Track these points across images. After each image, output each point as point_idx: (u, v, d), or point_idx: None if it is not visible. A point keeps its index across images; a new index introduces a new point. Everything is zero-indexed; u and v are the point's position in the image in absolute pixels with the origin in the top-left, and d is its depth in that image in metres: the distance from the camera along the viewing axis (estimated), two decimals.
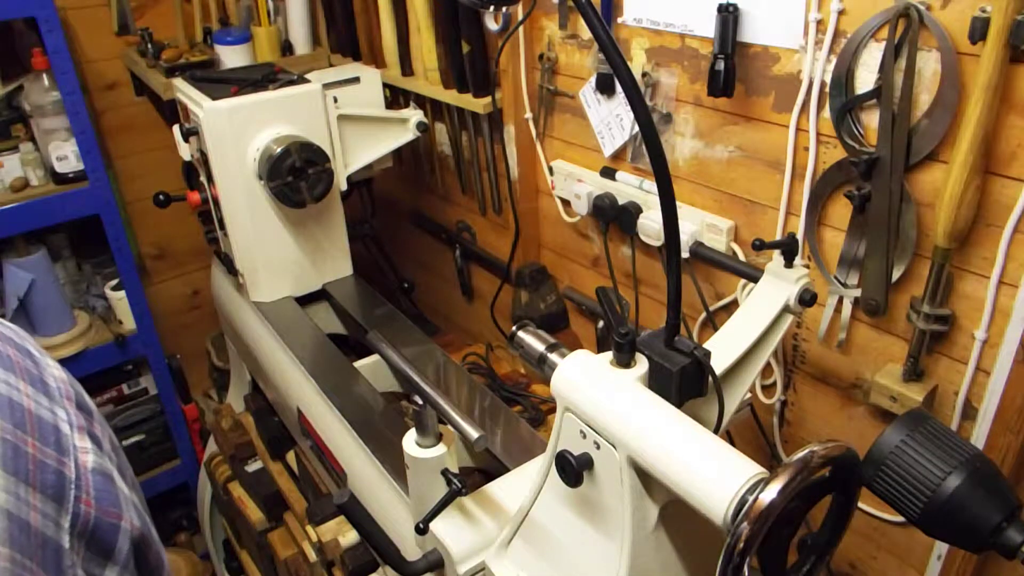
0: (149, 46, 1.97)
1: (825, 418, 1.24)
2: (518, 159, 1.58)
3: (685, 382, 0.76)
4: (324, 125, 1.51)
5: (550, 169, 1.54)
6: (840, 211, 1.10)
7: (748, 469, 0.62)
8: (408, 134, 1.65)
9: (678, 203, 1.25)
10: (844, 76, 1.01)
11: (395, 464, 1.12)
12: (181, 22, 2.15)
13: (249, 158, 1.44)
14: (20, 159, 1.87)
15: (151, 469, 2.31)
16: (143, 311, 2.06)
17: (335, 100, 1.53)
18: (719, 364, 0.86)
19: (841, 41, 1.01)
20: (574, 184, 1.47)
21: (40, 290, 1.92)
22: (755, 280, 1.00)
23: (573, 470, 0.73)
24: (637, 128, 1.33)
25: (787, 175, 1.14)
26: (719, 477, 0.63)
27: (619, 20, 1.28)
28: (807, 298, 0.95)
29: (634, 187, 1.37)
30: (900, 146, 0.97)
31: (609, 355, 0.75)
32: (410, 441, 0.94)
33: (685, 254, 1.26)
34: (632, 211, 1.35)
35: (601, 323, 1.59)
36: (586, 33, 1.38)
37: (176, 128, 1.57)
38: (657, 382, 0.75)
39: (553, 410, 0.88)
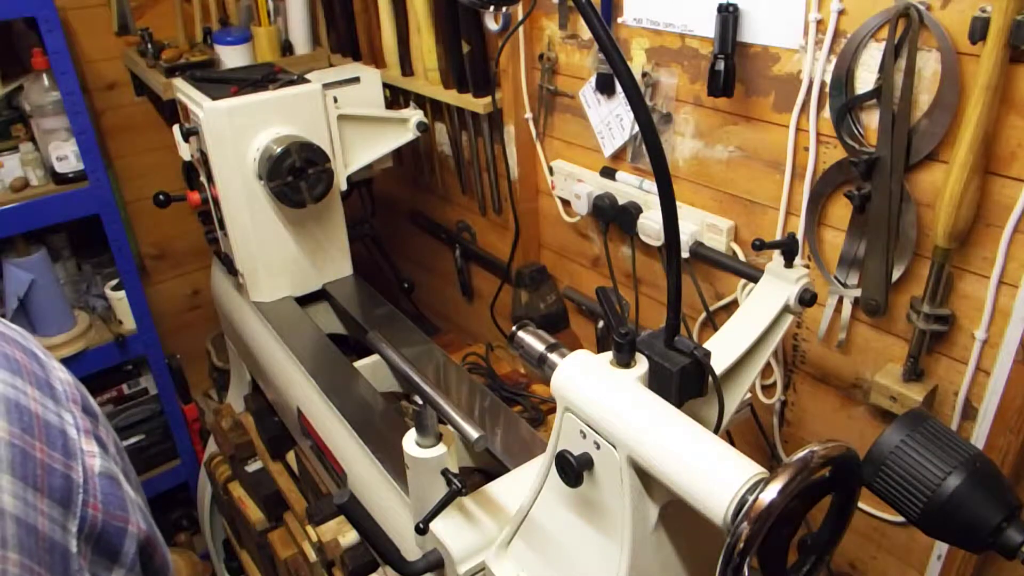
0: (149, 46, 1.97)
1: (825, 418, 1.24)
2: (518, 159, 1.58)
3: (685, 382, 0.76)
4: (324, 125, 1.51)
5: (550, 169, 1.54)
6: (840, 211, 1.10)
7: (748, 469, 0.62)
8: (408, 134, 1.65)
9: (678, 203, 1.25)
10: (844, 76, 1.01)
11: (395, 464, 1.12)
12: (181, 22, 2.15)
13: (249, 158, 1.44)
14: (20, 159, 1.87)
15: (151, 469, 2.31)
16: (143, 311, 2.06)
17: (335, 100, 1.53)
18: (719, 364, 0.86)
19: (841, 41, 1.01)
20: (574, 184, 1.47)
21: (40, 290, 1.92)
22: (755, 280, 1.00)
23: (573, 470, 0.73)
24: (637, 128, 1.33)
25: (787, 175, 1.14)
26: (719, 477, 0.63)
27: (619, 20, 1.28)
28: (807, 298, 0.95)
29: (634, 187, 1.37)
30: (900, 146, 0.97)
31: (609, 355, 0.75)
32: (410, 441, 0.94)
33: (685, 254, 1.26)
34: (632, 211, 1.35)
35: (601, 323, 1.59)
36: (586, 33, 1.38)
37: (176, 128, 1.57)
38: (657, 382, 0.75)
39: (553, 410, 0.88)
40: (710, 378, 0.77)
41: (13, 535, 0.42)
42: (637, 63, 1.29)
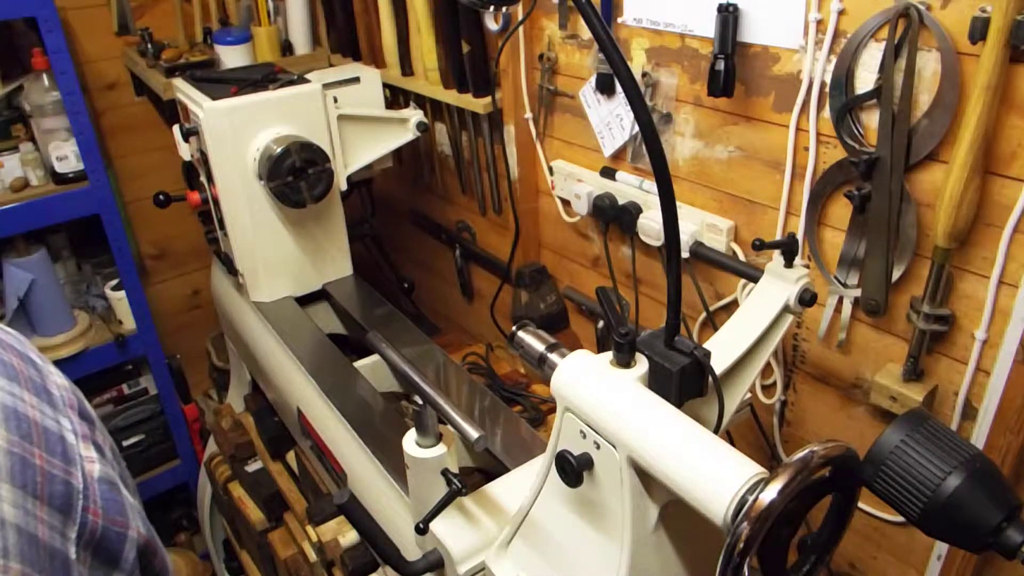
0: (149, 46, 1.97)
1: (825, 418, 1.24)
2: (518, 159, 1.58)
3: (685, 382, 0.76)
4: (324, 125, 1.51)
5: (550, 169, 1.54)
6: (840, 211, 1.10)
7: (748, 469, 0.62)
8: (408, 134, 1.65)
9: (678, 203, 1.25)
10: (844, 76, 1.01)
11: (395, 464, 1.12)
12: (181, 22, 2.15)
13: (249, 158, 1.45)
14: (20, 159, 1.87)
15: (151, 469, 2.30)
16: (143, 311, 2.06)
17: (335, 100, 1.53)
18: (719, 364, 0.86)
19: (841, 41, 1.01)
20: (574, 184, 1.47)
21: (40, 290, 1.92)
22: (755, 280, 1.00)
23: (573, 470, 0.73)
24: (637, 128, 1.33)
25: (787, 175, 1.14)
26: (719, 477, 0.63)
27: (619, 20, 1.28)
28: (807, 298, 0.95)
29: (634, 187, 1.37)
30: (900, 146, 0.97)
31: (609, 355, 0.75)
32: (410, 441, 0.94)
33: (685, 254, 1.25)
34: (632, 211, 1.35)
35: (601, 323, 1.59)
36: (586, 33, 1.38)
37: (176, 128, 1.57)
38: (657, 382, 0.75)
39: (553, 410, 0.88)
40: (710, 378, 0.77)
41: (14, 544, 0.42)
42: (637, 63, 1.29)
